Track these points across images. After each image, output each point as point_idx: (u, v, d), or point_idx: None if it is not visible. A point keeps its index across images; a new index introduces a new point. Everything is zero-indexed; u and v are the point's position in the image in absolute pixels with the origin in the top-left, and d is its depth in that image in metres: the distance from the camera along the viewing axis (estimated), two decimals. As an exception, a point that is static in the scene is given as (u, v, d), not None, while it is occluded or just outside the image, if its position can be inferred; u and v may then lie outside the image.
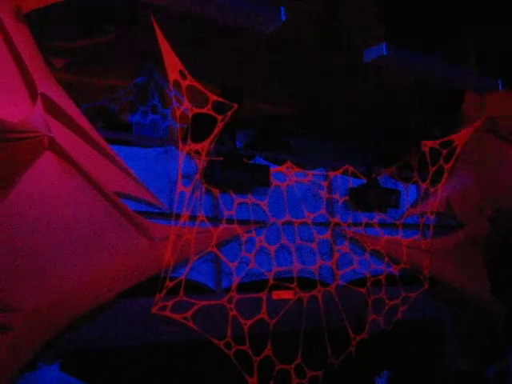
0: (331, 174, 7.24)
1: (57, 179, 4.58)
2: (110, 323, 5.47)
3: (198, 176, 5.86)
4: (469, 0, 8.97)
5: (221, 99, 5.78)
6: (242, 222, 6.25)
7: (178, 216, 5.61)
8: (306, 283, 6.74)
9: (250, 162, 6.59)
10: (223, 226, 6.04)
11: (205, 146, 5.79)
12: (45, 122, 4.37)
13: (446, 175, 7.76)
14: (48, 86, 4.68)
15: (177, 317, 5.61)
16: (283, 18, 5.31)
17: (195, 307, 5.74)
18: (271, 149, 7.60)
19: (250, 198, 6.39)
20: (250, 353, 6.04)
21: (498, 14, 9.33)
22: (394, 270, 7.48)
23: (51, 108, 4.58)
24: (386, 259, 7.42)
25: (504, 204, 8.52)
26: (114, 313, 5.45)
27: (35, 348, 4.71)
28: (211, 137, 5.76)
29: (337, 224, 7.18)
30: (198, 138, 5.66)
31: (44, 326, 4.73)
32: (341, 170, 7.26)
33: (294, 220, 6.77)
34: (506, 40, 9.41)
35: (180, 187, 5.66)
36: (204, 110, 5.66)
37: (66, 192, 4.65)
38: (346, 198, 7.32)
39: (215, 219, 6.15)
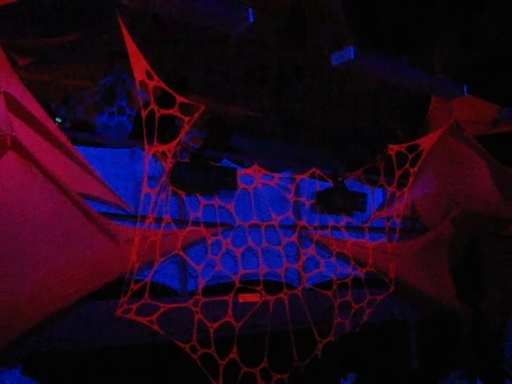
0: (298, 177, 7.23)
1: (19, 179, 4.50)
2: (73, 326, 5.40)
3: (164, 178, 5.82)
4: (436, 6, 9.06)
5: (188, 101, 5.74)
6: (208, 225, 6.22)
7: (144, 218, 5.56)
8: (272, 286, 6.73)
9: (216, 164, 6.56)
10: (189, 228, 5.99)
11: (171, 147, 5.75)
12: (7, 121, 4.29)
13: (412, 179, 7.81)
14: (11, 85, 4.60)
15: (142, 320, 5.55)
16: (251, 19, 5.29)
17: (160, 310, 5.69)
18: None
19: (216, 201, 6.36)
20: (216, 356, 6.01)
21: (465, 20, 9.45)
22: (360, 273, 7.51)
23: (14, 107, 4.50)
24: (353, 262, 7.44)
25: (469, 208, 8.60)
26: (77, 315, 5.39)
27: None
28: (178, 138, 5.72)
29: (303, 227, 7.18)
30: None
31: (6, 329, 4.65)
32: (308, 173, 7.26)
33: (260, 223, 6.76)
34: (472, 46, 9.53)
35: (146, 189, 5.60)
36: (171, 112, 5.62)
37: (29, 193, 4.57)
38: (313, 201, 7.33)
39: (181, 221, 6.11)
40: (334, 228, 7.44)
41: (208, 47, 8.34)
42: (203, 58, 8.85)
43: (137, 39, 5.17)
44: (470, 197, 8.70)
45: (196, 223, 6.09)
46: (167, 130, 5.83)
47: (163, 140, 5.64)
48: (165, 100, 5.68)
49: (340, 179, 7.46)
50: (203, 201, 6.21)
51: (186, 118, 5.66)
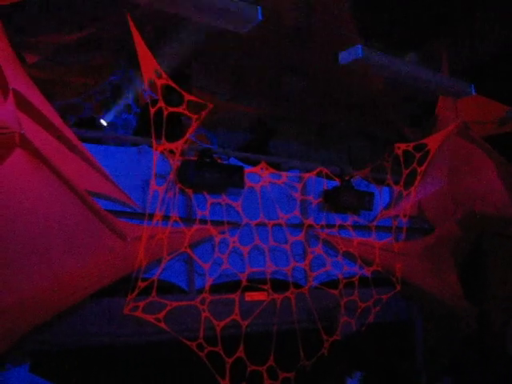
0: (305, 175, 7.23)
1: (28, 177, 4.51)
2: (81, 323, 5.40)
3: (171, 176, 5.82)
4: (443, 4, 9.04)
5: (196, 99, 5.74)
6: (215, 223, 6.22)
7: (151, 216, 5.56)
8: (279, 284, 6.73)
9: (224, 162, 6.55)
10: (196, 226, 5.99)
11: (179, 145, 5.75)
12: (16, 119, 4.29)
13: (418, 178, 7.79)
14: (20, 82, 4.60)
15: (149, 317, 5.56)
16: (260, 17, 5.30)
17: (167, 308, 5.69)
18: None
19: (223, 199, 6.36)
20: (223, 354, 6.01)
21: (472, 19, 9.43)
22: (367, 272, 7.50)
23: (23, 104, 4.50)
24: (359, 261, 7.44)
25: (475, 207, 8.58)
26: (84, 313, 5.39)
27: (5, 347, 4.63)
28: (185, 136, 5.72)
29: (310, 226, 7.17)
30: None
31: (13, 326, 4.65)
32: (315, 172, 7.25)
33: (267, 221, 6.75)
34: (479, 45, 9.51)
35: (153, 187, 5.61)
36: (179, 110, 5.62)
37: (37, 190, 4.58)
38: (320, 199, 7.32)
39: (188, 219, 6.10)
40: (341, 227, 7.44)
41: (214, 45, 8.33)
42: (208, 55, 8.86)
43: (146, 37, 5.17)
44: (476, 197, 8.68)
45: (203, 221, 6.09)
46: (173, 127, 5.82)
47: (168, 138, 5.65)
48: (170, 98, 5.68)
49: (347, 178, 7.46)
50: (210, 199, 6.21)
51: (194, 116, 5.66)
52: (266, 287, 6.53)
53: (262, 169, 6.78)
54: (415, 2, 9.01)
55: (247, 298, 6.43)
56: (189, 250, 5.95)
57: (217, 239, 6.26)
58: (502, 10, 9.38)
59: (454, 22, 9.58)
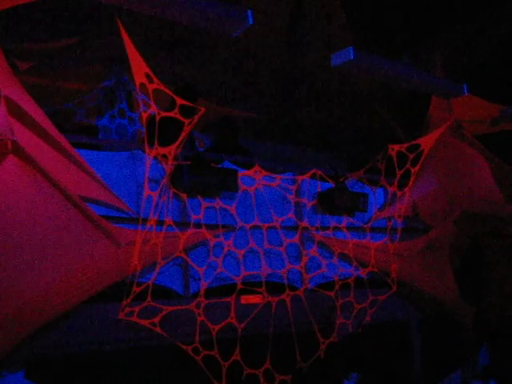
0: (299, 177, 7.23)
1: (20, 183, 4.50)
2: (76, 329, 5.40)
3: (165, 180, 5.81)
4: (435, 5, 9.06)
5: (188, 103, 5.73)
6: (209, 227, 6.21)
7: (145, 220, 5.56)
8: (274, 287, 6.73)
9: (218, 166, 6.55)
10: (191, 230, 5.98)
11: (172, 150, 5.74)
12: (8, 125, 4.29)
13: (412, 179, 7.80)
14: (12, 89, 4.59)
15: (144, 322, 5.55)
16: (250, 21, 5.30)
17: (163, 312, 5.68)
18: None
19: (217, 203, 6.35)
20: (219, 358, 6.00)
21: (464, 19, 9.46)
22: (362, 273, 7.50)
23: (15, 111, 4.50)
24: (354, 263, 7.43)
25: (469, 207, 8.60)
26: (79, 318, 5.38)
27: (1, 355, 4.63)
28: (178, 141, 5.71)
29: (305, 228, 7.17)
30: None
31: (8, 334, 4.64)
32: (309, 174, 7.24)
33: (262, 224, 6.75)
34: (472, 45, 9.54)
35: (147, 191, 5.60)
36: (171, 114, 5.61)
37: (30, 197, 4.57)
38: (314, 201, 7.32)
39: (183, 224, 6.11)
40: (336, 228, 7.43)
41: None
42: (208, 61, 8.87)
43: (139, 43, 5.17)
44: (471, 196, 8.70)
45: (197, 225, 6.08)
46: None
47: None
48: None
49: (341, 180, 7.46)
50: (204, 203, 6.21)
51: (187, 121, 5.65)
52: (261, 290, 6.52)
53: (255, 172, 6.77)
54: (409, 4, 9.04)
55: (243, 301, 6.43)
56: (183, 255, 5.94)
57: (211, 243, 6.26)
58: (497, 10, 9.42)
59: (449, 24, 9.61)
